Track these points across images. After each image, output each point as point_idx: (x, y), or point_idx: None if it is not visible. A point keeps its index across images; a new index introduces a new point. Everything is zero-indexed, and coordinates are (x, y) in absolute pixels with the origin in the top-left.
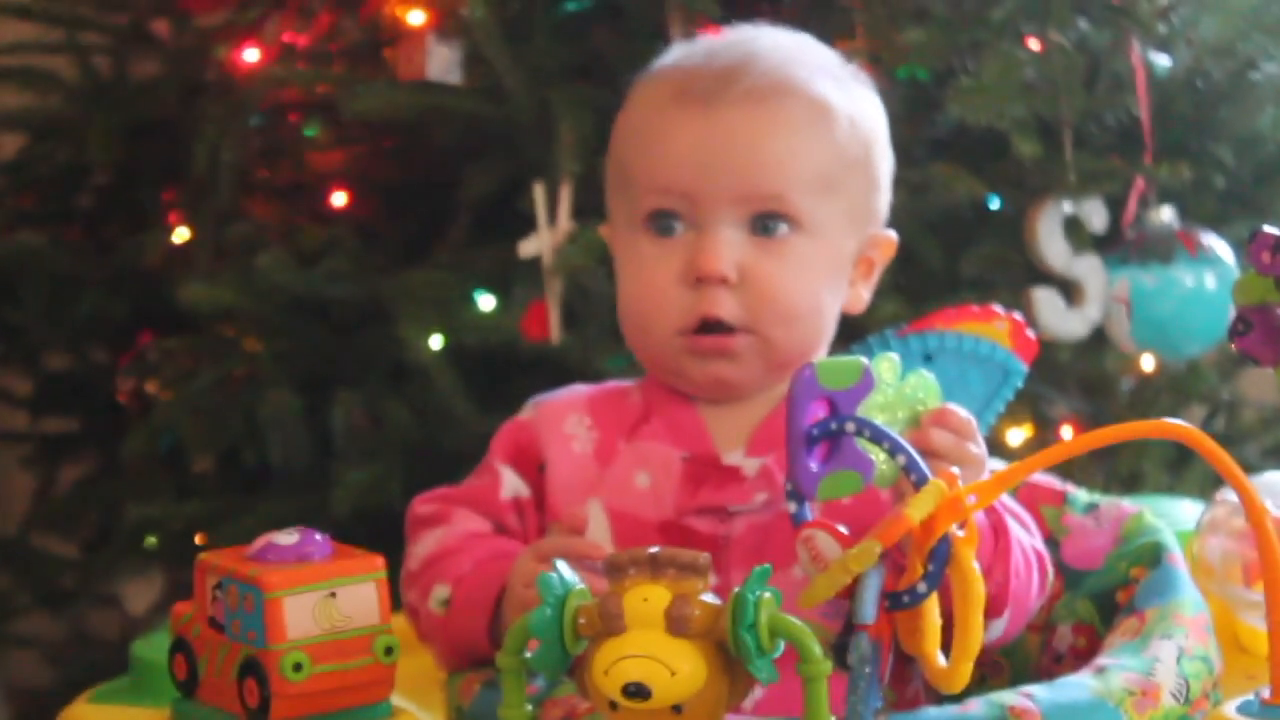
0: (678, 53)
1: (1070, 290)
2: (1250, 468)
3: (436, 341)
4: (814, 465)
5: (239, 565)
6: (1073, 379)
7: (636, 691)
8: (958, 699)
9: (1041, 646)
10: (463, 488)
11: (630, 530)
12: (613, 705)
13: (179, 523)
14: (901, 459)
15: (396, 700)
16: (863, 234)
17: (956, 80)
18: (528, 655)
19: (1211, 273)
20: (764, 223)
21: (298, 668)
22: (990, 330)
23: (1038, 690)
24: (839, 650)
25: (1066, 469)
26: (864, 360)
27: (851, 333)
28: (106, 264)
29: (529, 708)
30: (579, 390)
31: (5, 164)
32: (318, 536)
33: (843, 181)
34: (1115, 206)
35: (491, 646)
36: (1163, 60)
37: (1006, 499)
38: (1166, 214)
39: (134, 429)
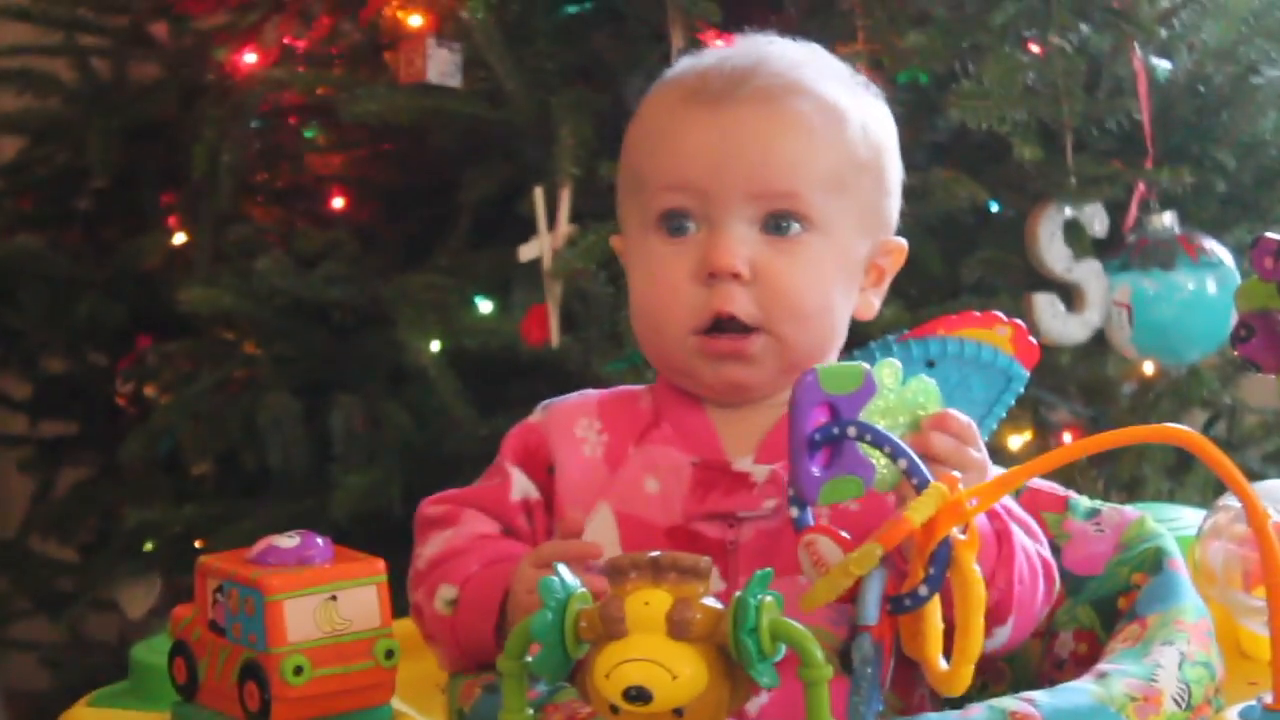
0: (688, 61)
1: (1071, 295)
2: (1252, 473)
3: (436, 345)
4: (816, 470)
5: (240, 568)
6: (1073, 384)
7: (637, 695)
8: (959, 704)
9: (1043, 652)
10: (472, 489)
11: (638, 534)
12: (614, 709)
13: (178, 527)
14: (903, 463)
15: (397, 704)
16: (873, 239)
17: (957, 84)
18: (529, 659)
19: (1212, 278)
20: (776, 221)
21: (298, 671)
22: (992, 336)
23: (1039, 696)
24: (844, 655)
25: (1068, 475)
26: (865, 366)
27: (853, 338)
28: (105, 267)
29: (530, 712)
30: (589, 394)
31: (4, 166)
32: (319, 540)
33: (854, 183)
34: (1116, 211)
35: (498, 649)
36: (1164, 65)
37: (1013, 506)
38: (1167, 219)
39: (133, 432)
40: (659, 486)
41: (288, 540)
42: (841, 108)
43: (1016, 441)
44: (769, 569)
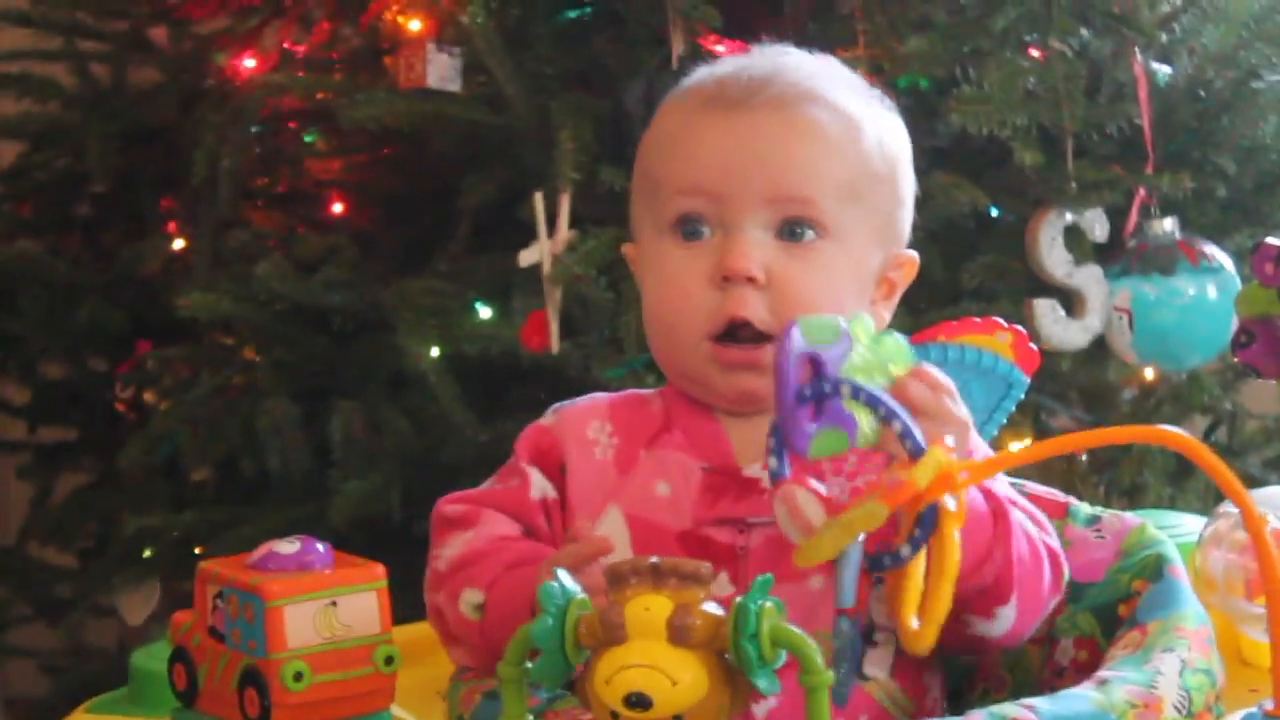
0: (704, 69)
1: (1071, 300)
2: (1252, 479)
3: (436, 351)
4: (807, 423)
5: (240, 574)
6: (1074, 389)
7: (638, 701)
8: (961, 709)
9: (1043, 660)
10: (490, 490)
11: (649, 538)
12: (614, 715)
13: (177, 533)
14: (897, 426)
15: (396, 710)
16: (886, 251)
17: (958, 89)
18: (529, 666)
19: (1213, 283)
20: (791, 227)
21: (298, 677)
22: (992, 342)
23: (1040, 703)
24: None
25: (1068, 481)
26: (841, 319)
27: None
28: (105, 272)
29: (530, 718)
30: (599, 397)
31: (3, 171)
32: (319, 545)
33: (869, 193)
34: (1117, 216)
35: None
36: (1164, 69)
37: (1018, 497)
38: (1168, 224)
39: (132, 438)
40: (670, 490)
41: (288, 546)
42: (858, 118)
43: (1016, 447)
44: (769, 575)
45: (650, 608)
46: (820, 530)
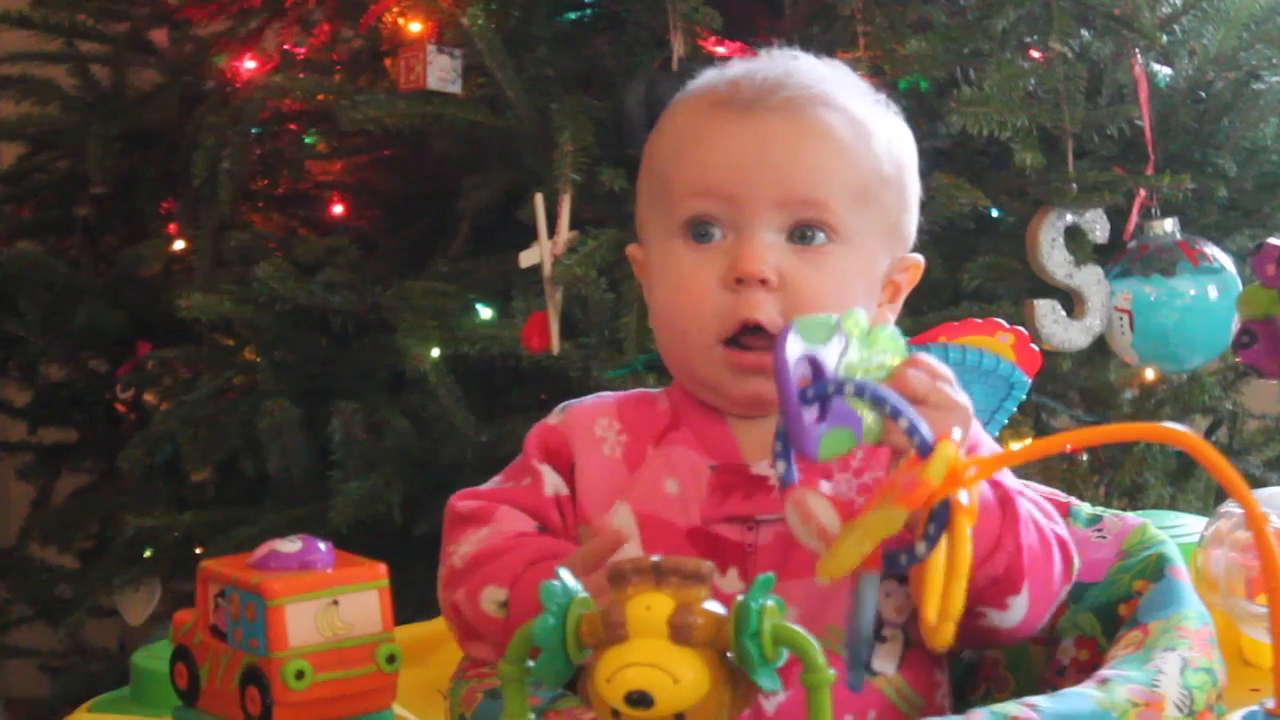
0: (713, 72)
1: (1072, 301)
2: (1254, 479)
3: (436, 352)
4: (813, 425)
5: (241, 573)
6: (1075, 390)
7: (639, 700)
8: (964, 708)
9: (1045, 659)
10: (503, 488)
11: (658, 535)
12: (615, 714)
13: (177, 533)
14: (903, 422)
15: (398, 709)
16: (893, 253)
17: (958, 90)
18: (530, 664)
19: (1214, 284)
20: (802, 230)
21: (300, 675)
22: (994, 343)
23: (1042, 701)
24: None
25: (1069, 481)
26: (834, 316)
27: None
28: (105, 274)
29: (531, 717)
30: (607, 396)
31: (4, 173)
32: (320, 544)
33: (878, 196)
34: (1117, 217)
35: None
36: (1165, 71)
37: (1025, 488)
38: (1169, 224)
39: (132, 439)
40: (678, 488)
41: (289, 545)
42: (868, 123)
43: (1017, 448)
44: (771, 574)
45: (652, 606)
46: (839, 538)
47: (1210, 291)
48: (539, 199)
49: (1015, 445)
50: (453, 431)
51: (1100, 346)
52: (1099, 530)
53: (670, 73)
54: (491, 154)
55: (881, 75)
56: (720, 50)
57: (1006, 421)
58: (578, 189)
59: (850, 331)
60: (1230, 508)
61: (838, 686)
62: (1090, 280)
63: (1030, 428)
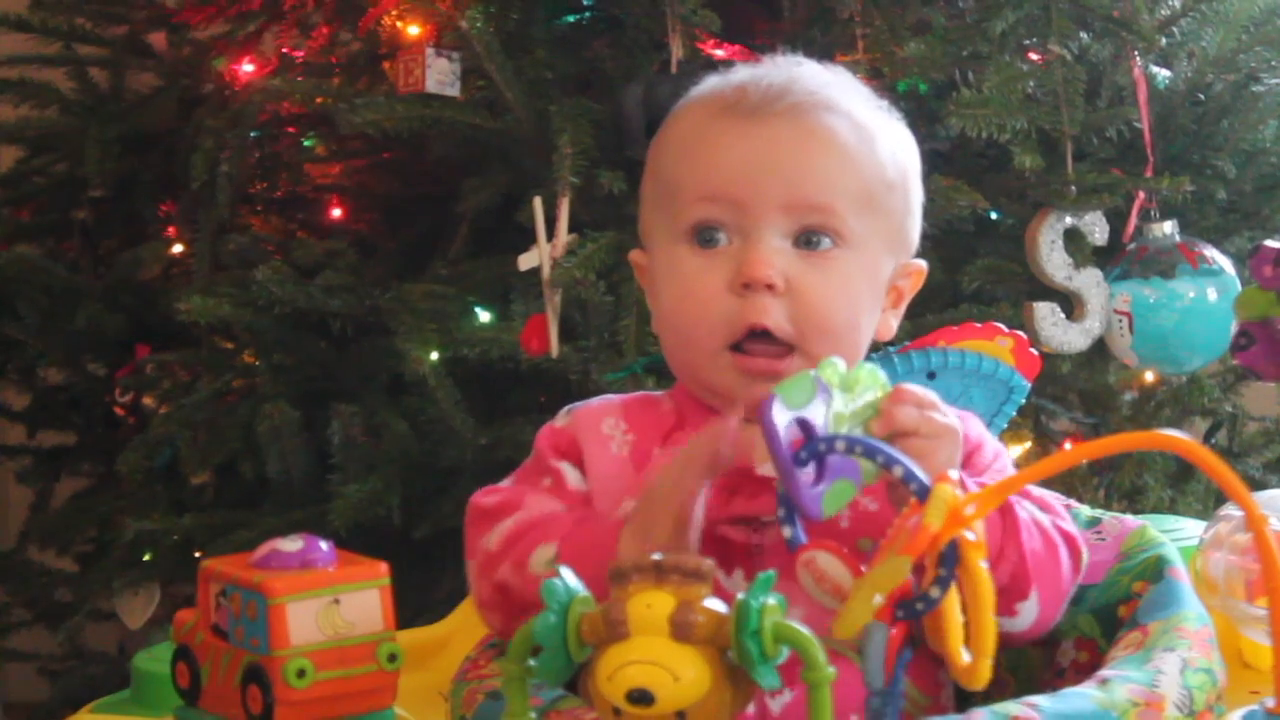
0: (717, 78)
1: (1071, 303)
2: (1253, 481)
3: (435, 355)
4: (811, 487)
5: (243, 572)
6: (1074, 392)
7: (640, 697)
8: (964, 708)
9: (1045, 661)
10: (525, 488)
11: None
12: (616, 712)
13: (176, 537)
14: (898, 470)
15: (399, 712)
16: (897, 259)
17: (957, 93)
18: (531, 663)
19: (1213, 286)
20: (808, 236)
21: (301, 674)
22: (993, 347)
23: (1042, 701)
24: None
25: (1068, 484)
26: (811, 372)
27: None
28: (104, 277)
29: (533, 716)
30: (611, 398)
31: (2, 176)
32: (321, 543)
33: (884, 201)
34: (1116, 219)
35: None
36: (1164, 73)
37: (1031, 486)
38: (1168, 227)
39: (131, 442)
40: None
41: (291, 544)
42: (872, 128)
43: (1017, 450)
44: (772, 572)
45: (652, 604)
46: (851, 594)
47: (1209, 293)
48: (538, 202)
49: (1015, 449)
50: (452, 434)
51: (1099, 349)
52: (1098, 532)
53: (669, 75)
54: (490, 157)
55: (880, 78)
56: (719, 53)
57: (1006, 425)
58: (576, 192)
59: (830, 381)
60: (1230, 510)
61: (842, 685)
62: (1089, 282)
63: (1030, 430)
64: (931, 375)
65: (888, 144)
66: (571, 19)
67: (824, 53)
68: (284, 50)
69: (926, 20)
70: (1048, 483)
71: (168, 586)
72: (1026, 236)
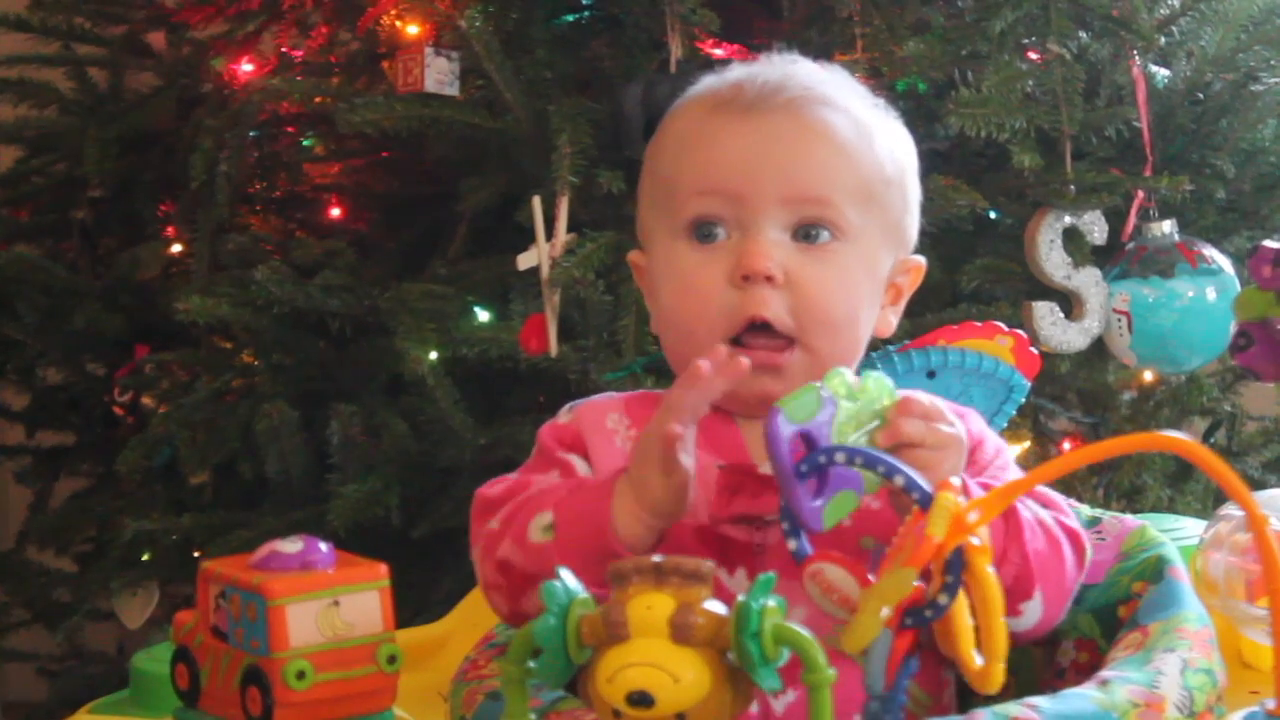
0: (713, 77)
1: (1070, 303)
2: (1252, 481)
3: (434, 354)
4: (812, 500)
5: (242, 573)
6: (1073, 392)
7: (640, 699)
8: (965, 708)
9: (1045, 661)
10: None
11: (667, 533)
12: (616, 714)
13: (175, 536)
14: (900, 480)
15: (399, 712)
16: (895, 255)
17: (956, 92)
18: (531, 665)
19: (1212, 285)
20: (807, 229)
21: (301, 676)
22: (993, 346)
23: (1042, 702)
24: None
25: (1068, 483)
26: (817, 385)
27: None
28: (103, 277)
29: (533, 718)
30: (613, 395)
31: (1, 176)
32: (321, 545)
33: (882, 196)
34: (1115, 219)
35: (613, 534)
36: (1163, 72)
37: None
38: (1167, 226)
39: (130, 442)
40: None
41: (290, 545)
42: (870, 123)
43: (1016, 450)
44: (772, 573)
45: (652, 606)
46: (859, 607)
47: (1208, 293)
48: (537, 201)
49: (1014, 448)
50: (451, 434)
51: (1098, 348)
52: (1098, 532)
53: (668, 75)
54: (489, 156)
55: (879, 77)
56: (718, 52)
57: (1006, 424)
58: (575, 191)
59: (838, 392)
60: (1230, 510)
61: (842, 686)
62: (1088, 282)
63: (1029, 430)
64: (931, 374)
65: (885, 140)
66: (570, 18)
67: (823, 52)
68: (283, 50)
69: (925, 19)
70: (1050, 481)
71: (167, 586)
72: (1025, 236)
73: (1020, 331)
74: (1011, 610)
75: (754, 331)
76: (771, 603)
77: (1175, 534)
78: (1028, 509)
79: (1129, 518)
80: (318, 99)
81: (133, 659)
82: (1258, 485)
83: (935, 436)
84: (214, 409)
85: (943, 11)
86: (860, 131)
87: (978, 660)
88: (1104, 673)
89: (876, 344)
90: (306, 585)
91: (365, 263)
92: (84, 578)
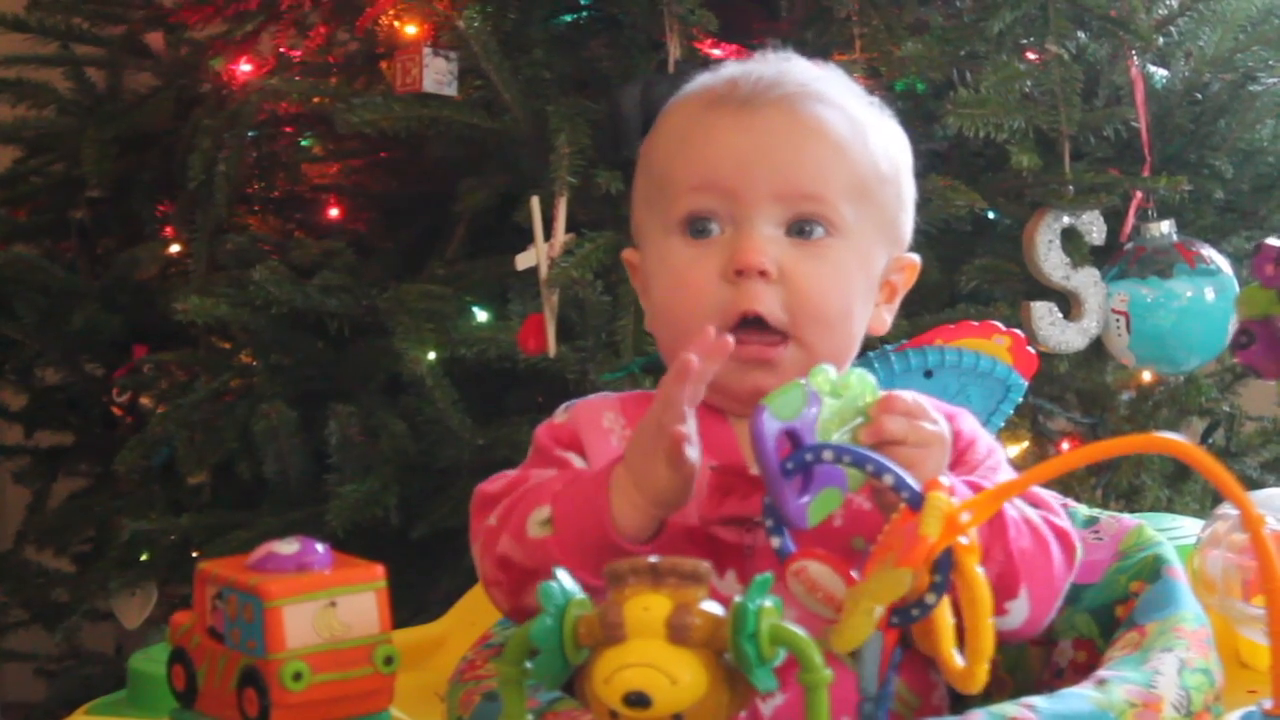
0: (706, 75)
1: (1069, 303)
2: (1251, 481)
3: (432, 355)
4: (797, 497)
5: (239, 574)
6: (1071, 392)
7: (637, 700)
8: (961, 709)
9: (1043, 661)
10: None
11: (659, 533)
12: (613, 715)
13: (173, 537)
14: (889, 478)
15: (396, 712)
16: (890, 253)
17: (954, 93)
18: (528, 665)
19: (1210, 285)
20: (801, 225)
21: (297, 677)
22: (990, 346)
23: (1039, 702)
24: None
25: (1065, 483)
26: (801, 381)
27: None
28: (101, 277)
29: (530, 718)
30: (609, 395)
31: None
32: (318, 546)
33: (876, 193)
34: (1114, 219)
35: (613, 526)
36: (1161, 72)
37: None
38: (1165, 226)
39: (128, 442)
40: None
41: (287, 546)
42: (864, 121)
43: (1014, 450)
44: (769, 574)
45: (649, 607)
46: (849, 608)
47: (1207, 293)
48: (535, 202)
49: (1012, 448)
50: (449, 434)
51: (1097, 348)
52: (1095, 532)
53: (666, 75)
54: (487, 157)
55: (878, 77)
56: (716, 53)
57: (1003, 424)
58: (574, 191)
59: (821, 388)
60: (1227, 509)
61: (835, 688)
62: (1087, 282)
63: (1027, 430)
64: (929, 374)
65: (880, 137)
66: (569, 19)
67: (821, 52)
68: (281, 50)
69: (924, 20)
70: (1044, 482)
71: (165, 586)
72: (1024, 236)
73: (1017, 331)
74: (998, 609)
75: (747, 327)
76: (769, 603)
77: (1173, 533)
78: (1014, 507)
79: (1126, 517)
80: (316, 99)
81: (130, 659)
82: (1256, 485)
83: (918, 434)
84: (212, 409)
85: (941, 12)
86: (855, 128)
87: (959, 660)
88: (1101, 672)
89: (874, 343)
90: (303, 586)
91: (364, 263)
92: (82, 578)
